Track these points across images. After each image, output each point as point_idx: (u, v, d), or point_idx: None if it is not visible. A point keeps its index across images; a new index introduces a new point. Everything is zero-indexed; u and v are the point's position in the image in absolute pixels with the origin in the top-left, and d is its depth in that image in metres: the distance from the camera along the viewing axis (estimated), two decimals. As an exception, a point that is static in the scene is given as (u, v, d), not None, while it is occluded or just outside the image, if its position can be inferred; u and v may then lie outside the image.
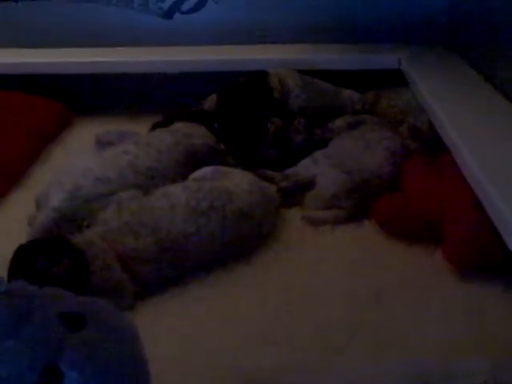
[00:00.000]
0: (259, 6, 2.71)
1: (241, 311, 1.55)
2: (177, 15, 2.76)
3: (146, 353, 1.15)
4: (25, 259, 1.49)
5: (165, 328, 1.48)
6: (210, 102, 2.40)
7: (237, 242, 1.75)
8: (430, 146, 2.17)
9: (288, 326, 1.50)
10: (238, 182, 1.84)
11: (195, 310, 1.56)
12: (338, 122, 2.30)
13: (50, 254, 1.49)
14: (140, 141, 2.04)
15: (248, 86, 2.30)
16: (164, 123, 2.28)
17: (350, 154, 2.07)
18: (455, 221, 1.72)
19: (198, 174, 1.93)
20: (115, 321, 1.02)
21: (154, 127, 2.29)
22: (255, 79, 2.31)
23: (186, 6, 2.74)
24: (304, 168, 2.06)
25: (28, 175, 2.22)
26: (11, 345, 0.86)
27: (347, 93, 2.52)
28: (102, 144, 2.28)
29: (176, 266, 1.65)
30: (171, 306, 1.57)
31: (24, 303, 0.92)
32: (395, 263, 1.72)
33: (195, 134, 2.14)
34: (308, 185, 1.99)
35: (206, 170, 1.93)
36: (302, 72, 2.47)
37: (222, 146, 2.22)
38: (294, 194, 2.01)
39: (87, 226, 1.69)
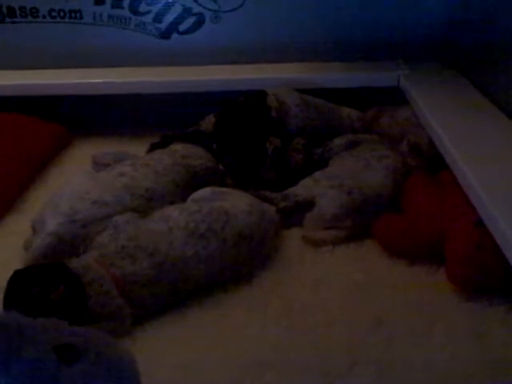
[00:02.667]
0: (258, 25, 2.70)
1: (241, 335, 1.53)
2: (174, 35, 2.75)
3: (143, 381, 1.13)
4: (21, 285, 1.46)
5: (163, 354, 1.45)
6: (208, 122, 2.38)
7: (236, 264, 1.72)
8: (430, 163, 2.15)
9: (288, 351, 1.48)
10: (237, 203, 1.82)
11: (194, 334, 1.54)
12: (338, 141, 2.27)
13: (46, 279, 1.46)
14: (137, 162, 2.02)
15: (246, 105, 2.28)
16: (162, 144, 2.26)
17: (350, 173, 2.05)
18: (457, 240, 1.70)
19: (196, 195, 1.91)
20: (111, 352, 0.99)
21: (152, 148, 2.28)
22: (253, 99, 2.30)
23: (183, 27, 2.73)
24: (304, 188, 2.03)
25: (24, 198, 2.19)
26: (3, 383, 0.84)
27: (346, 111, 2.51)
28: (99, 165, 2.26)
29: (175, 289, 1.62)
30: (170, 330, 1.55)
31: (16, 337, 0.89)
32: (397, 284, 1.70)
33: (193, 155, 2.12)
34: (308, 205, 1.97)
35: (204, 192, 1.91)
36: (300, 91, 2.46)
37: (221, 167, 2.20)
38: (294, 214, 1.98)
39: (84, 250, 1.67)
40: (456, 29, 2.59)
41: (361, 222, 1.92)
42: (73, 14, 2.70)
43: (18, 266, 1.61)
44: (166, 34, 2.75)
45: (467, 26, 2.49)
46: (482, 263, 1.62)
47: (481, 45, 2.35)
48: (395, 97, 2.53)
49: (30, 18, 2.71)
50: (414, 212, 1.90)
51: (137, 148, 2.36)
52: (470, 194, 1.67)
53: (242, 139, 2.22)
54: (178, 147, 2.18)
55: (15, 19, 2.71)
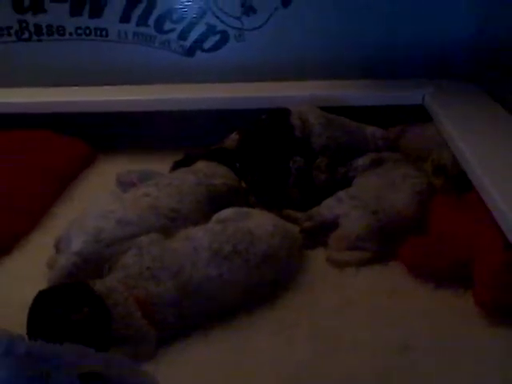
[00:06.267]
0: (281, 43, 2.71)
1: (265, 358, 1.52)
2: (198, 53, 2.77)
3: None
4: (44, 306, 1.46)
5: (187, 377, 1.45)
6: (231, 140, 2.38)
7: (261, 285, 1.71)
8: (455, 183, 2.13)
9: (312, 374, 1.46)
10: (260, 223, 1.81)
11: (218, 357, 1.53)
12: (362, 161, 2.26)
13: (70, 301, 1.46)
14: (161, 182, 2.02)
15: (269, 124, 2.28)
16: (185, 162, 2.26)
17: (374, 193, 2.03)
18: (485, 263, 1.67)
19: (220, 215, 1.90)
20: (134, 378, 0.99)
21: (175, 166, 2.28)
22: (276, 117, 2.30)
23: (207, 44, 2.75)
24: (327, 208, 2.02)
25: (49, 215, 2.20)
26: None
27: (370, 129, 2.49)
28: (123, 183, 2.26)
29: (198, 311, 1.61)
30: (193, 353, 1.54)
31: (42, 366, 0.89)
32: (422, 307, 1.68)
33: (216, 174, 2.12)
34: (332, 225, 1.96)
35: (228, 212, 1.91)
36: (324, 109, 2.45)
37: (244, 185, 2.19)
38: (318, 234, 1.97)
39: (108, 271, 1.67)
40: (481, 47, 2.58)
41: (385, 242, 1.90)
42: (98, 32, 2.73)
43: (41, 282, 1.62)
44: (190, 52, 2.77)
45: (492, 43, 2.48)
46: (510, 286, 1.60)
47: (506, 63, 2.33)
48: (420, 115, 2.51)
49: (56, 36, 2.74)
50: (439, 233, 1.88)
51: (161, 166, 2.35)
52: (497, 215, 1.64)
53: (266, 158, 2.22)
54: (201, 166, 2.18)
55: (42, 37, 2.75)
